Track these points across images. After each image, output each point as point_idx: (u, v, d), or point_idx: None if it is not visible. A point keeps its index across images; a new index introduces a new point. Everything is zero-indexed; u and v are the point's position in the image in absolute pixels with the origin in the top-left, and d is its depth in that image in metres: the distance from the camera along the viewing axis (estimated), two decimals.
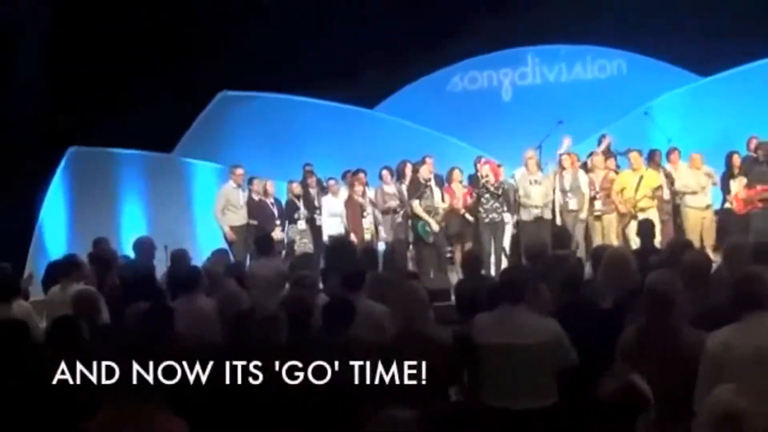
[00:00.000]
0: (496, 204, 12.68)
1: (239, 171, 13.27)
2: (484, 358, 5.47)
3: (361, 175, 13.32)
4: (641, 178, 12.70)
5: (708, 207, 12.99)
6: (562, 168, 13.18)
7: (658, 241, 10.48)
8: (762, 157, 12.74)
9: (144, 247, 9.83)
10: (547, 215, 12.99)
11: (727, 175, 13.16)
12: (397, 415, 3.99)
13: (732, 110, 14.83)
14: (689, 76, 16.16)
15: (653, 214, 12.32)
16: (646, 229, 9.32)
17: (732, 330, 4.90)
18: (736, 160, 13.18)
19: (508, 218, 13.08)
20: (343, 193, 13.42)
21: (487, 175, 12.75)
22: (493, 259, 12.55)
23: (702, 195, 12.98)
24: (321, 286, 8.18)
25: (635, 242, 10.69)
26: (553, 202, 13.10)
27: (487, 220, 12.69)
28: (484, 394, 5.47)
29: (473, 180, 13.46)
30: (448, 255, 13.26)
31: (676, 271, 5.84)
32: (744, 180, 12.92)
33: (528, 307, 5.63)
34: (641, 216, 11.88)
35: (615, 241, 12.42)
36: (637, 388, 3.34)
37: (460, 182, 13.40)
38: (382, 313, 6.45)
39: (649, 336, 5.20)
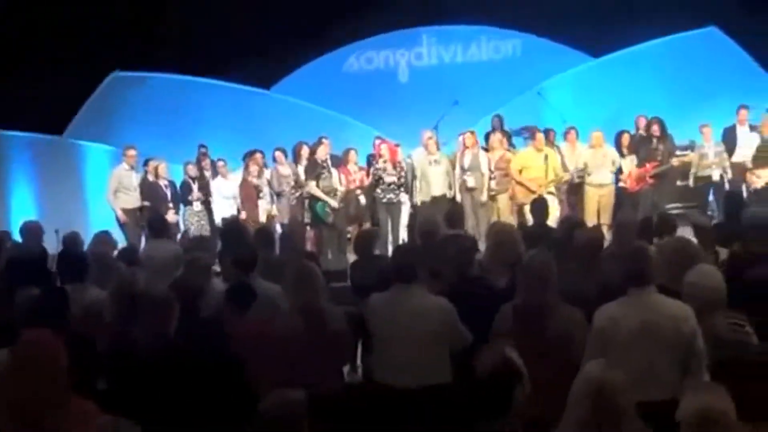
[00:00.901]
0: (393, 185, 12.74)
1: (132, 152, 12.98)
2: (378, 338, 5.49)
3: (258, 155, 13.19)
4: (546, 157, 12.82)
5: (605, 185, 13.21)
6: (465, 147, 13.25)
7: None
8: (655, 132, 13.04)
9: (31, 231, 9.58)
10: (448, 195, 13.09)
11: (618, 154, 13.41)
12: (288, 396, 3.96)
13: (622, 90, 15.23)
14: (581, 56, 16.45)
15: (556, 194, 12.65)
16: (539, 208, 9.43)
17: (619, 305, 5.04)
18: (626, 140, 13.48)
19: (406, 198, 13.14)
20: (237, 174, 13.30)
21: (383, 156, 12.82)
22: (391, 239, 12.61)
23: (599, 173, 13.20)
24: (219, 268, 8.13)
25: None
26: (453, 181, 13.20)
27: (384, 201, 12.76)
28: (378, 374, 5.49)
29: (371, 160, 13.46)
30: (349, 236, 13.25)
31: (548, 249, 5.93)
32: (635, 158, 13.22)
33: (421, 286, 5.65)
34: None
35: (511, 220, 12.56)
36: (510, 362, 3.39)
37: (356, 163, 13.36)
38: (277, 293, 6.42)
39: (525, 313, 5.31)
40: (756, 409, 3.91)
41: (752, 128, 13.35)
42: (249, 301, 5.86)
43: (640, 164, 13.08)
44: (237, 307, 5.82)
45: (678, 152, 13.54)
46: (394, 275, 5.68)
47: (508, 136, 14.03)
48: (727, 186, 13.14)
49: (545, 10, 15.56)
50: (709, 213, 13.09)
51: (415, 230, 9.79)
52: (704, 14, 15.25)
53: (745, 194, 12.28)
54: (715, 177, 13.43)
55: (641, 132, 13.57)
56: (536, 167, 12.72)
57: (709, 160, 13.40)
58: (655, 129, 13.08)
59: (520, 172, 12.77)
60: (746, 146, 13.16)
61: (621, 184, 13.30)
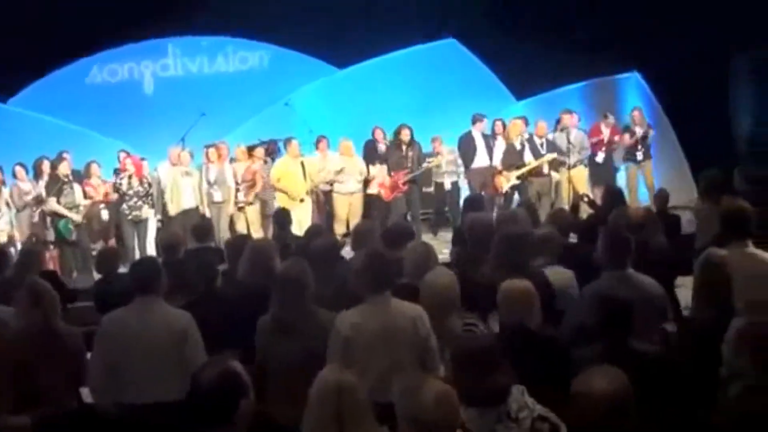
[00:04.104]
0: (139, 200, 12.52)
1: None
2: (113, 354, 5.32)
3: None
4: (302, 164, 12.99)
5: (353, 193, 13.43)
6: (209, 161, 13.15)
7: None
8: (405, 138, 13.39)
9: None
10: (201, 209, 13.00)
11: (366, 162, 13.71)
12: (11, 422, 3.76)
13: (368, 100, 15.63)
14: (327, 67, 16.71)
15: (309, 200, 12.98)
16: (280, 217, 9.48)
17: (359, 311, 5.17)
18: (374, 149, 13.84)
19: (152, 214, 12.90)
20: None
21: (128, 171, 12.57)
22: (138, 255, 12.33)
23: (347, 182, 13.40)
24: None
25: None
26: (201, 194, 13.07)
27: (129, 217, 12.52)
28: (116, 391, 5.32)
29: (116, 175, 13.11)
30: (94, 253, 12.83)
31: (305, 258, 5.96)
32: (386, 167, 13.54)
33: (161, 299, 5.53)
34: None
35: (259, 232, 12.59)
36: (233, 374, 3.38)
37: (99, 177, 13.01)
38: (10, 315, 6.12)
39: (282, 322, 5.33)
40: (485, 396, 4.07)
41: (486, 137, 13.86)
42: None
43: (390, 171, 13.38)
44: None
45: (429, 159, 13.99)
46: (133, 288, 5.54)
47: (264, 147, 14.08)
48: (467, 191, 13.65)
49: (290, 22, 15.66)
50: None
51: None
52: (444, 27, 15.92)
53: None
54: (447, 185, 14.08)
55: (390, 139, 13.92)
56: (294, 175, 12.93)
57: (443, 168, 14.03)
58: (405, 135, 13.42)
59: (279, 180, 12.91)
60: (484, 154, 13.72)
61: (370, 190, 13.57)
